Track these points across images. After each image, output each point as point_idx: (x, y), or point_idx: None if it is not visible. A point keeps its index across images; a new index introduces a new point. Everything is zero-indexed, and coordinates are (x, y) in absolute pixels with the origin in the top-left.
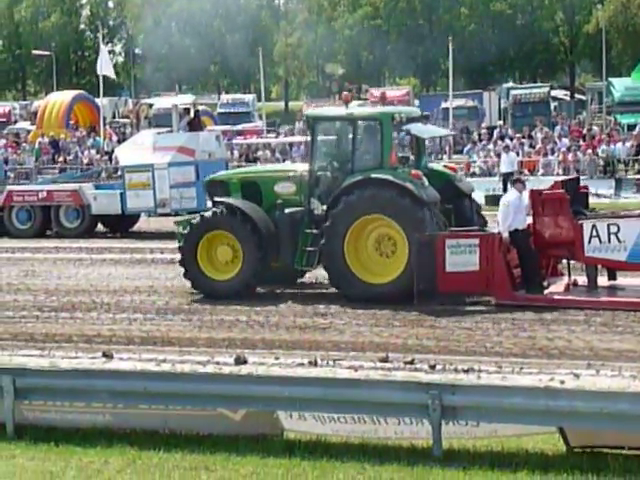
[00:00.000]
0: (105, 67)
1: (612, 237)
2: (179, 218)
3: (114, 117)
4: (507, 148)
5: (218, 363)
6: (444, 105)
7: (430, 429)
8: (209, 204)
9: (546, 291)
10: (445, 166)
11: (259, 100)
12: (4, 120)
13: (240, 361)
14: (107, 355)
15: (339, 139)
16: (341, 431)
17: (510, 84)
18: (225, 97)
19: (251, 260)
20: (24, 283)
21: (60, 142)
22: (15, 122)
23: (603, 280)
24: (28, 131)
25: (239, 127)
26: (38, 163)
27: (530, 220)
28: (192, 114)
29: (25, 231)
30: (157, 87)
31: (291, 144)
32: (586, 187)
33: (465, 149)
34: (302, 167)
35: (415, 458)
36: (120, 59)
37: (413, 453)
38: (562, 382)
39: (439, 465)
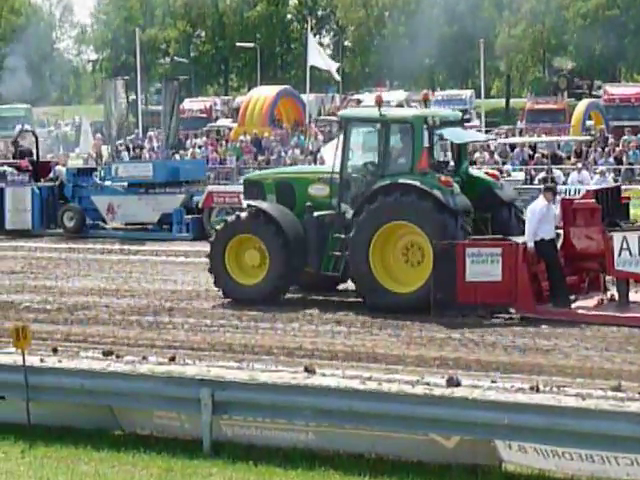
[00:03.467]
0: (325, 62)
1: None
2: (217, 219)
3: (320, 114)
4: None
5: (428, 384)
6: None
7: None
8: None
9: (573, 305)
10: (486, 173)
11: (478, 97)
12: (205, 116)
13: (453, 383)
14: (309, 370)
15: (371, 142)
16: (566, 468)
17: None
18: (440, 93)
19: (277, 265)
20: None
21: (263, 140)
22: (216, 119)
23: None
24: (229, 128)
25: None
26: (239, 162)
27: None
28: None
29: None
30: (366, 82)
31: (512, 146)
32: (628, 197)
33: None
34: (336, 169)
35: None
36: (328, 52)
37: None
38: None
39: None
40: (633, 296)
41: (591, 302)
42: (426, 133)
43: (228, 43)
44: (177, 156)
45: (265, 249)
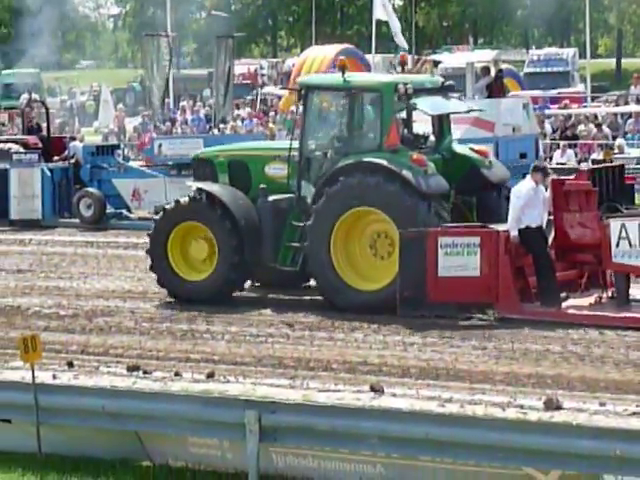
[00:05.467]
0: (391, 21)
1: None
2: (160, 204)
3: None
4: None
5: (522, 407)
6: None
7: None
8: None
9: (564, 304)
10: (472, 149)
11: (582, 56)
12: (248, 82)
13: (552, 405)
14: (376, 389)
15: (334, 113)
16: None
17: None
18: (536, 52)
19: (228, 257)
20: (274, 293)
21: None
22: (262, 85)
23: None
24: (279, 97)
25: (554, 92)
26: None
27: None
28: (492, 75)
29: None
30: (444, 39)
31: (626, 116)
32: (633, 178)
33: None
34: (296, 145)
35: None
36: (398, 2)
37: None
38: None
39: None
40: (637, 293)
41: (587, 300)
42: (398, 103)
43: None
44: (215, 131)
45: (214, 239)
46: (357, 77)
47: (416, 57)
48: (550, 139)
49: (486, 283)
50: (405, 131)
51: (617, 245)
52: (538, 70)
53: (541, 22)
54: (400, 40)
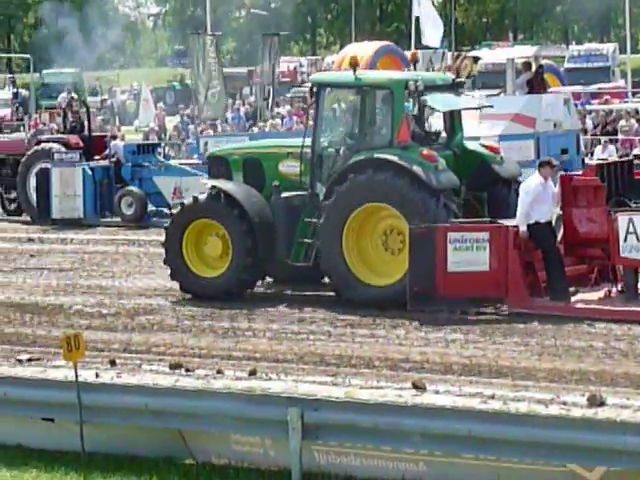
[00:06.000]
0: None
1: None
2: (175, 202)
3: None
4: None
5: (565, 403)
6: None
7: None
8: None
9: (574, 298)
10: (483, 145)
11: (622, 52)
12: (288, 80)
13: (596, 402)
14: (418, 386)
15: (346, 110)
16: None
17: None
18: (576, 48)
19: (242, 254)
20: (313, 291)
21: None
22: (302, 83)
23: None
24: None
25: (594, 87)
26: None
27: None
28: (533, 70)
29: None
30: (484, 36)
31: None
32: None
33: None
34: (308, 142)
35: None
36: None
37: None
38: None
39: None
40: None
41: (596, 295)
42: (408, 99)
43: None
44: (255, 128)
45: (228, 236)
46: (368, 74)
47: (455, 53)
48: (591, 135)
49: (495, 278)
50: (416, 127)
51: (625, 240)
52: (578, 66)
53: (581, 17)
54: (428, 37)
